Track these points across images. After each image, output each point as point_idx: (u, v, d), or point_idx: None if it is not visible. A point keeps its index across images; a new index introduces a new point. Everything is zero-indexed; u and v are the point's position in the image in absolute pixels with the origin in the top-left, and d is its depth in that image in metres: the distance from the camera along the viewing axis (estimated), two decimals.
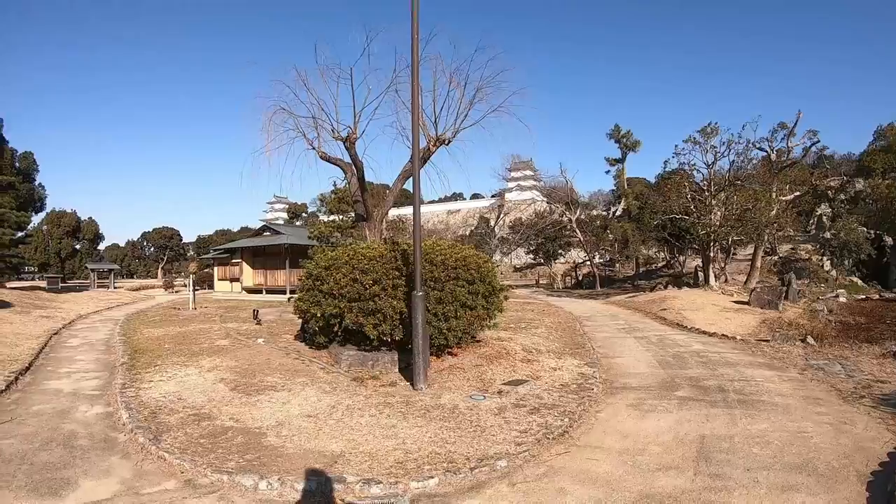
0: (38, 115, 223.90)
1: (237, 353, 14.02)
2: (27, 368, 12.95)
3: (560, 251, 58.59)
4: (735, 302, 25.60)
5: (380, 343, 11.74)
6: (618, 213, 55.52)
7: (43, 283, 52.03)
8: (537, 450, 7.14)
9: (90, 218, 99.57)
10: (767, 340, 15.83)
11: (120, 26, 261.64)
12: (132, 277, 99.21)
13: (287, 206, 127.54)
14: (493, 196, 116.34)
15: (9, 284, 41.96)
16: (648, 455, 6.97)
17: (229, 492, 6.18)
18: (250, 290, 41.94)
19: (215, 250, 52.55)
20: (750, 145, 32.77)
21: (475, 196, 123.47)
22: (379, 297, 11.34)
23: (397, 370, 11.46)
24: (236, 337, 17.14)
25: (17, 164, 51.30)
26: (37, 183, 54.97)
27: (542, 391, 10.18)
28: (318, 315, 12.36)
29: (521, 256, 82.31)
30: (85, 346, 17.11)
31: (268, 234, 45.06)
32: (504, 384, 10.51)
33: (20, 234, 42.69)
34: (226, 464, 6.79)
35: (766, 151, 33.05)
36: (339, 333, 12.62)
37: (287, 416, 8.75)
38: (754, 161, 34.80)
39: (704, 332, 18.05)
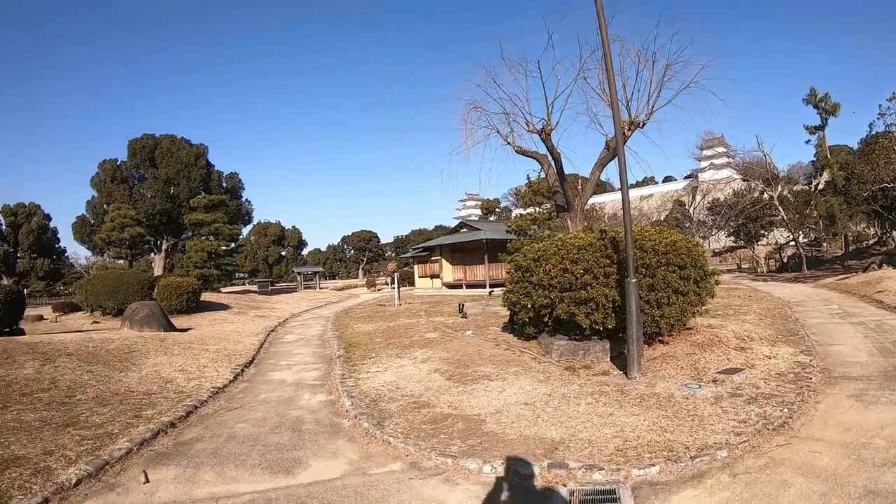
0: (241, 137, 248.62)
1: (448, 345, 14.52)
2: (251, 362, 14.44)
3: (762, 231, 54.02)
4: None
5: (591, 332, 11.67)
6: (820, 186, 50.04)
7: (254, 287, 57.94)
8: (757, 440, 6.94)
9: (293, 227, 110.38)
10: None
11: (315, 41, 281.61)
12: (334, 278, 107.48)
13: (479, 203, 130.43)
14: (686, 178, 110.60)
15: (224, 289, 47.11)
16: (873, 449, 6.56)
17: (454, 474, 6.47)
18: (450, 286, 43.35)
19: (414, 249, 55.17)
20: None
21: (668, 179, 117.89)
22: (590, 285, 11.32)
23: (608, 359, 11.39)
24: (444, 330, 17.75)
25: (224, 184, 58.34)
26: (243, 199, 61.55)
27: (757, 380, 9.74)
28: (529, 306, 12.57)
29: (720, 240, 77.79)
30: (301, 341, 18.72)
31: (465, 230, 46.45)
32: (718, 373, 10.15)
33: (233, 244, 48.01)
34: (449, 448, 7.12)
35: None
36: (549, 324, 12.67)
37: (504, 404, 8.97)
38: None
39: None
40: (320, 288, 61.46)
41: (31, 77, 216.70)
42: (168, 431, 8.48)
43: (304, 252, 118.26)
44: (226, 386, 11.64)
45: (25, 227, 72.81)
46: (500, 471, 6.41)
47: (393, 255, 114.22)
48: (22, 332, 17.78)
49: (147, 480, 6.56)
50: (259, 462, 7.10)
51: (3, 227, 72.65)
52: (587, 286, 11.34)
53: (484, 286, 38.45)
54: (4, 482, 6.25)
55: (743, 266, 61.52)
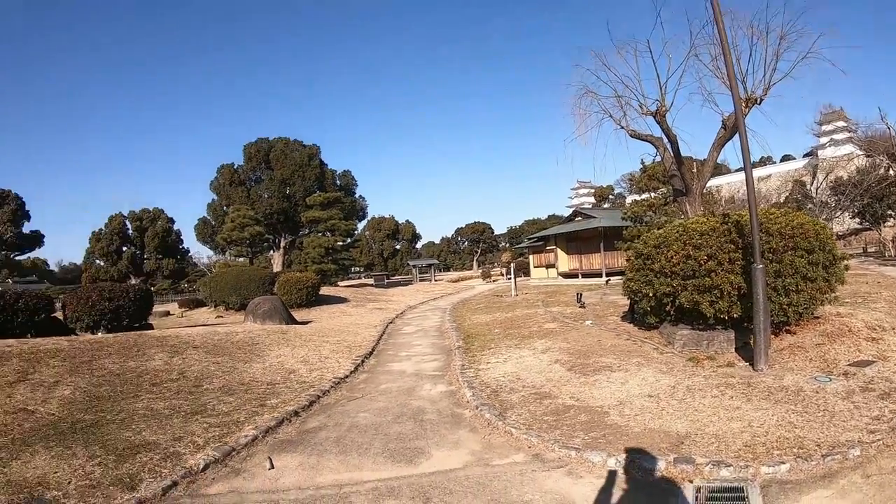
0: (353, 136, 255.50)
1: (567, 336, 14.15)
2: (371, 353, 14.57)
3: (889, 212, 49.56)
4: None
5: (715, 321, 11.04)
6: None
7: (370, 281, 59.09)
8: (892, 439, 6.33)
9: (407, 220, 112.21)
10: None
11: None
12: (449, 270, 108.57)
13: (592, 190, 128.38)
14: (805, 156, 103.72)
15: (341, 283, 48.32)
16: None
17: (577, 467, 6.26)
18: (565, 276, 42.69)
19: (529, 239, 54.73)
20: None
21: (786, 158, 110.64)
22: (714, 272, 10.68)
23: (733, 350, 10.76)
24: (563, 320, 17.36)
25: (337, 182, 60.08)
26: (357, 195, 63.04)
27: (891, 373, 8.78)
28: (650, 294, 12.06)
29: (843, 221, 72.40)
30: (419, 332, 18.79)
31: (579, 218, 45.56)
32: (849, 365, 9.27)
33: (348, 240, 49.20)
34: (572, 440, 6.86)
35: None
36: (671, 313, 12.09)
37: (627, 396, 8.59)
38: None
39: None
40: (435, 280, 62.12)
41: (151, 93, 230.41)
42: (292, 420, 8.60)
43: (419, 245, 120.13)
44: (347, 376, 11.74)
45: (151, 231, 77.88)
46: (625, 464, 6.15)
47: (507, 245, 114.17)
48: (151, 327, 18.73)
49: (272, 467, 6.65)
50: (381, 451, 7.07)
51: (131, 231, 78.00)
52: (711, 273, 10.73)
53: (600, 275, 37.61)
54: (136, 466, 6.50)
55: (869, 250, 57.38)
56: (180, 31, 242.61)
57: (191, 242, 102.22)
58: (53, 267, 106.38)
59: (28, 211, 74.22)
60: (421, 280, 61.67)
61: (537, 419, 7.86)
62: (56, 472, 6.35)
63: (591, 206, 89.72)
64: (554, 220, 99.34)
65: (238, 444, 7.28)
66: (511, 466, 6.38)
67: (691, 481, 5.70)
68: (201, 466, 6.54)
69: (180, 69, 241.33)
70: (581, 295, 22.80)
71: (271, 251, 56.90)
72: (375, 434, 7.78)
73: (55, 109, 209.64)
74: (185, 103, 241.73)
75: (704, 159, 17.25)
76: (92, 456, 6.82)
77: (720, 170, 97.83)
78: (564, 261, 43.61)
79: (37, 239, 76.62)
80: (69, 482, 6.11)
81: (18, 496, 5.78)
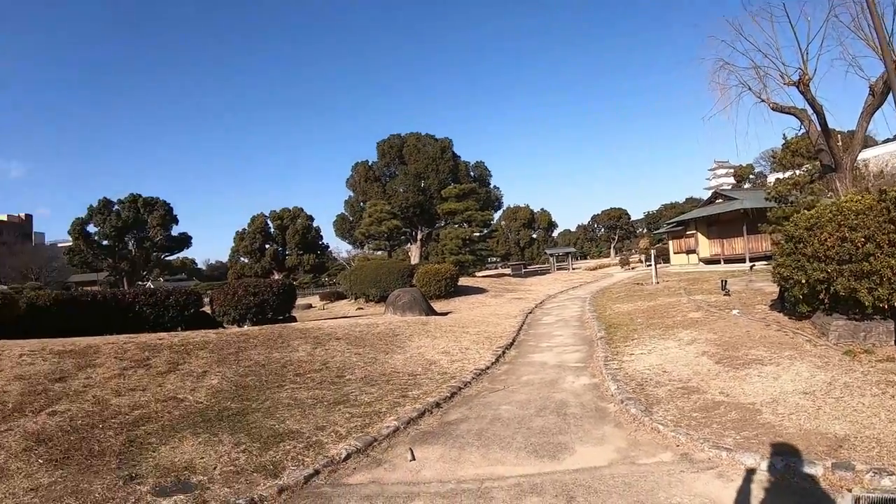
0: (485, 127, 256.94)
1: (713, 326, 13.42)
2: (511, 344, 14.38)
3: None
4: None
5: (873, 311, 10.00)
6: None
7: (507, 271, 59.05)
8: None
9: (542, 209, 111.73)
10: None
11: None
12: (585, 258, 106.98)
13: (731, 170, 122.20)
14: None
15: (478, 274, 48.54)
16: None
17: (728, 469, 5.87)
18: (706, 261, 40.84)
19: (668, 224, 52.94)
20: None
21: None
22: (873, 255, 9.63)
23: (893, 342, 9.70)
24: (707, 309, 16.51)
25: (471, 173, 60.71)
26: (491, 186, 63.26)
27: None
28: (802, 281, 11.10)
29: None
30: (559, 322, 18.43)
31: (719, 200, 43.27)
32: None
33: (485, 230, 49.46)
34: (723, 440, 6.44)
35: None
36: (825, 301, 11.12)
37: (780, 393, 7.95)
38: None
39: None
40: (573, 269, 61.31)
41: (284, 98, 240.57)
42: (433, 411, 8.57)
43: (555, 233, 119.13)
44: (488, 368, 11.62)
45: (291, 228, 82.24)
46: (779, 468, 5.63)
47: (644, 231, 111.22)
48: (294, 319, 19.50)
49: (413, 458, 6.62)
50: (524, 445, 6.87)
51: (272, 229, 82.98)
52: (869, 257, 9.70)
53: (743, 260, 35.54)
54: (279, 454, 6.67)
55: None
56: (317, 33, 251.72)
57: (329, 238, 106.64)
58: (201, 265, 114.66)
59: (175, 215, 79.62)
60: (558, 269, 61.05)
61: (685, 415, 7.43)
62: (202, 458, 6.63)
63: (730, 187, 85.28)
64: (692, 203, 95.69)
65: (380, 434, 7.32)
66: (658, 466, 6.02)
67: (850, 490, 5.13)
68: (343, 456, 6.61)
69: (305, 71, 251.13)
70: (726, 282, 21.66)
71: (408, 244, 58.07)
72: (518, 427, 7.58)
73: (199, 119, 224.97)
74: (316, 105, 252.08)
75: (852, 131, 15.92)
76: (237, 443, 7.06)
77: (866, 142, 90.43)
78: (705, 246, 41.73)
79: (185, 240, 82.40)
80: (214, 468, 6.36)
81: (166, 479, 6.08)
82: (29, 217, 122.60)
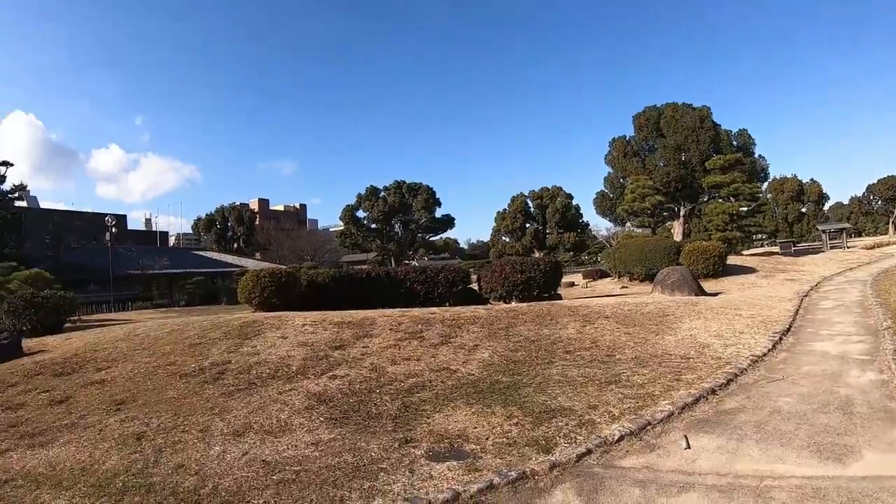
0: (746, 91, 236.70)
1: None
2: (787, 329, 13.27)
3: None
4: None
5: None
6: None
7: (775, 249, 54.72)
8: None
9: (811, 179, 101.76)
10: None
11: None
12: (860, 235, 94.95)
13: None
14: None
15: (744, 252, 45.51)
16: None
17: None
18: None
19: None
20: None
21: None
22: None
23: None
24: None
25: (734, 143, 57.18)
26: (756, 155, 58.75)
27: None
28: None
29: None
30: (839, 308, 16.66)
31: None
32: None
33: (752, 204, 46.19)
34: None
35: None
36: None
37: None
38: None
39: None
40: (847, 247, 55.08)
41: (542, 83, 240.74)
42: (708, 398, 8.26)
43: (826, 207, 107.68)
44: (764, 355, 10.87)
45: (551, 207, 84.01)
46: None
47: None
48: (559, 297, 19.85)
49: (688, 446, 6.44)
50: (806, 444, 6.36)
51: (532, 208, 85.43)
52: None
53: None
54: (551, 430, 6.87)
55: None
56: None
57: (589, 216, 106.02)
58: (462, 245, 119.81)
59: (438, 198, 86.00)
60: (832, 247, 55.21)
61: None
62: (475, 428, 7.01)
63: None
64: None
65: (654, 418, 7.24)
66: None
67: None
68: (616, 437, 6.63)
69: (559, 53, 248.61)
70: None
71: (670, 221, 56.04)
72: (799, 423, 7.03)
73: (459, 107, 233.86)
74: (569, 84, 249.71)
75: None
76: (509, 416, 7.39)
77: None
78: None
79: (448, 221, 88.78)
80: (487, 438, 6.69)
81: (440, 445, 6.53)
82: (303, 206, 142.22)
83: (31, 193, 75.40)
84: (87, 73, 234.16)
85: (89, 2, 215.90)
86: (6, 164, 55.73)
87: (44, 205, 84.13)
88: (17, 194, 58.57)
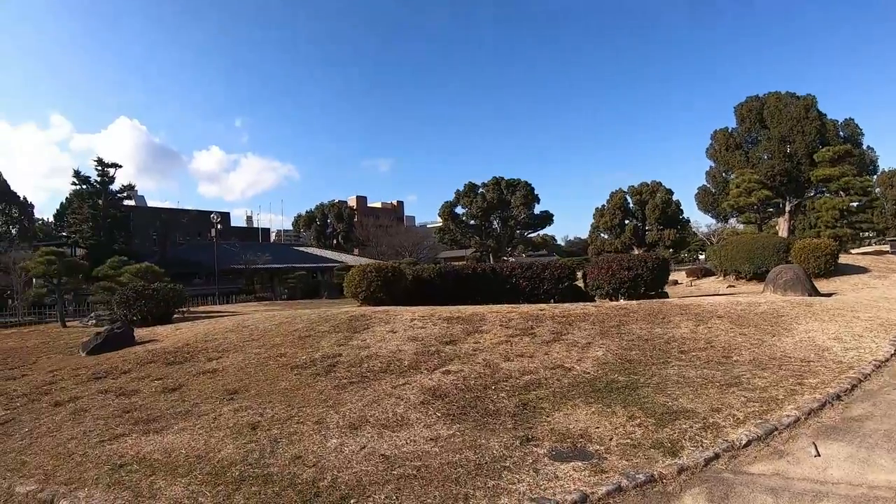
0: (852, 79, 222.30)
1: None
2: None
3: None
4: None
5: None
6: None
7: (885, 247, 51.87)
8: None
9: None
10: None
11: None
12: None
13: None
14: None
15: (853, 251, 43.12)
16: None
17: None
18: None
19: None
20: None
21: None
22: None
23: None
24: None
25: (840, 133, 54.34)
26: (864, 146, 55.79)
27: None
28: None
29: None
30: None
31: None
32: None
33: (864, 199, 43.75)
34: None
35: None
36: None
37: None
38: None
39: None
40: None
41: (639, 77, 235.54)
42: (833, 404, 7.80)
43: None
44: (887, 360, 10.17)
45: (650, 203, 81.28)
46: None
47: None
48: (666, 296, 19.35)
49: (818, 454, 6.08)
50: None
51: (631, 204, 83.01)
52: None
53: None
54: (675, 432, 6.63)
55: None
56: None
57: (690, 212, 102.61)
58: (560, 241, 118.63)
59: (537, 195, 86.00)
60: None
61: None
62: (597, 428, 6.85)
63: None
64: None
65: (780, 423, 6.87)
66: None
67: None
68: (743, 442, 6.33)
69: (652, 46, 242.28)
70: None
71: (774, 217, 53.81)
72: None
73: (557, 105, 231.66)
74: (664, 76, 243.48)
75: None
76: (631, 416, 7.19)
77: None
78: None
79: (546, 218, 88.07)
80: (610, 438, 6.52)
81: (562, 444, 6.39)
82: (400, 203, 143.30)
83: (139, 193, 79.93)
84: (189, 78, 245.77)
85: (200, 11, 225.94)
86: (115, 165, 59.83)
87: (150, 204, 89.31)
88: (125, 194, 62.70)
